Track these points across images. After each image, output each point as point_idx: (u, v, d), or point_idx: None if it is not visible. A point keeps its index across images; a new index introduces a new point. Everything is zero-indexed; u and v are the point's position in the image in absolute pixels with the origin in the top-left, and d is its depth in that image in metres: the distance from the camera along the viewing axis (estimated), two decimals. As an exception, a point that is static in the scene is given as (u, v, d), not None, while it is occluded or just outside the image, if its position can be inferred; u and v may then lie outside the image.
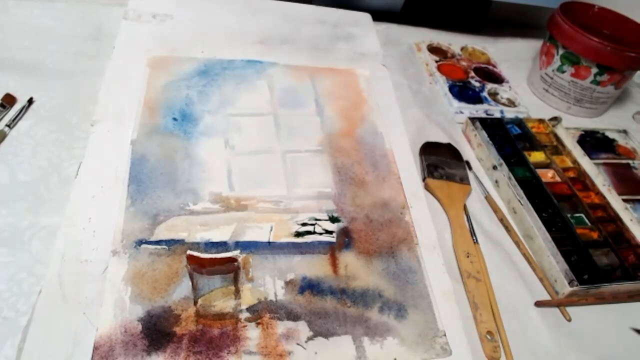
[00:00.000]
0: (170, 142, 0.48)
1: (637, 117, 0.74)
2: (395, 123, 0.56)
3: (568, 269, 0.45)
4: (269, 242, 0.42)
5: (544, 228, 0.48)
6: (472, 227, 0.50)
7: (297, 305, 0.39)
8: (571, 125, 0.66)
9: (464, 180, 0.54)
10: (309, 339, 0.37)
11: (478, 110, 0.65)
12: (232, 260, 0.40)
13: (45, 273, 0.37)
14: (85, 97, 0.51)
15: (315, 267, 0.42)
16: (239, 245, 0.41)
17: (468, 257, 0.46)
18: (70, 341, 0.34)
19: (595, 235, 0.50)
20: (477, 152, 0.60)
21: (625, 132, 0.67)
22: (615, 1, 0.72)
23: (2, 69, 0.54)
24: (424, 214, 0.48)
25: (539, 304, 0.45)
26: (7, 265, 0.38)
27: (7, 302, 0.36)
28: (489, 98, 0.68)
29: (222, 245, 0.41)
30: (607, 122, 0.71)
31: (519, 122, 0.62)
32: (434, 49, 0.76)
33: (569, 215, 0.51)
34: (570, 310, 0.45)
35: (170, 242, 0.40)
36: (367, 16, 0.72)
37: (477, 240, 0.48)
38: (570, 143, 0.60)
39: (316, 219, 0.45)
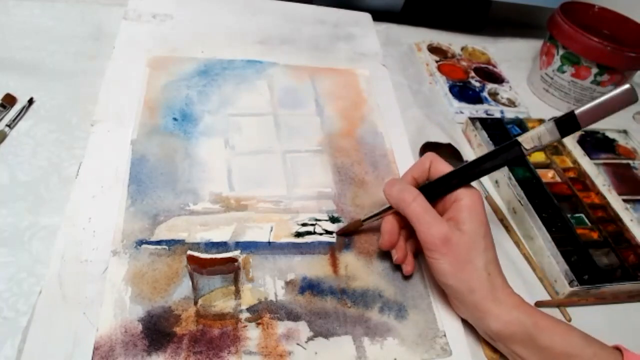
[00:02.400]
0: (170, 142, 0.48)
1: (637, 117, 0.74)
2: (395, 123, 0.56)
3: (568, 269, 0.45)
4: (269, 242, 0.42)
5: (544, 228, 0.48)
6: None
7: (298, 305, 0.39)
8: (571, 125, 0.66)
9: (464, 180, 0.54)
10: (309, 339, 0.37)
11: (478, 110, 0.65)
12: (233, 260, 0.40)
13: (45, 273, 0.37)
14: (85, 97, 0.51)
15: (315, 267, 0.42)
16: (239, 245, 0.42)
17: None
18: (70, 341, 0.34)
19: (595, 235, 0.50)
20: (477, 152, 0.60)
21: (625, 132, 0.67)
22: (615, 1, 0.72)
23: (2, 69, 0.54)
24: (424, 214, 0.48)
25: (539, 304, 0.44)
26: (7, 265, 0.38)
27: (7, 302, 0.36)
28: (489, 98, 0.68)
29: (222, 245, 0.41)
30: (607, 122, 0.69)
31: (519, 122, 0.62)
32: (434, 49, 0.76)
33: (569, 215, 0.51)
34: (571, 310, 0.45)
35: (170, 242, 0.40)
36: (367, 16, 0.72)
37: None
38: (571, 143, 0.60)
39: (316, 219, 0.45)
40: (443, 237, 0.37)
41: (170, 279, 0.38)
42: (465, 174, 0.39)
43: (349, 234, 0.44)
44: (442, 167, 0.40)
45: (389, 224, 0.41)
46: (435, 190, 0.40)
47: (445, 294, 0.42)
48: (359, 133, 0.54)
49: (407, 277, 0.42)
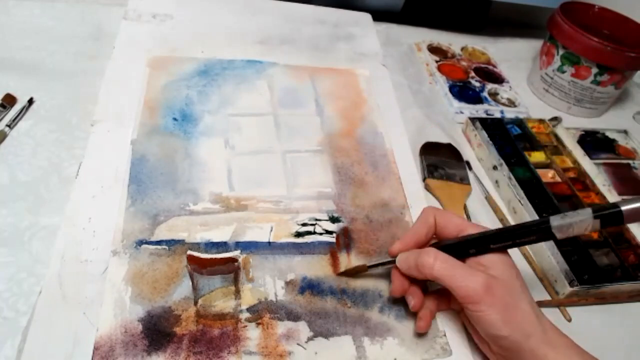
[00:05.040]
0: (170, 142, 0.48)
1: (637, 117, 0.74)
2: (395, 123, 0.56)
3: (568, 269, 0.45)
4: (269, 242, 0.42)
5: (544, 228, 0.48)
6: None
7: (297, 305, 0.39)
8: (571, 125, 0.66)
9: (464, 180, 0.54)
10: (309, 339, 0.37)
11: (478, 110, 0.65)
12: (233, 260, 0.40)
13: (45, 273, 0.37)
14: (85, 97, 0.51)
15: (315, 267, 0.42)
16: (239, 245, 0.41)
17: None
18: (70, 341, 0.34)
19: (595, 235, 0.50)
20: (477, 152, 0.60)
21: (625, 132, 0.67)
22: (615, 1, 0.72)
23: (2, 69, 0.54)
24: (424, 214, 0.48)
25: (539, 304, 0.44)
26: (7, 265, 0.38)
27: (7, 302, 0.36)
28: (489, 98, 0.68)
29: (222, 246, 0.41)
30: (607, 122, 0.71)
31: (519, 122, 0.62)
32: (434, 49, 0.76)
33: (569, 216, 0.51)
34: (571, 310, 0.45)
35: (170, 242, 0.40)
36: (367, 16, 0.72)
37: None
38: (571, 143, 0.60)
39: (316, 219, 0.45)
40: (484, 285, 0.34)
41: (170, 279, 0.38)
42: (487, 246, 0.36)
43: (350, 275, 0.42)
44: (454, 219, 0.38)
45: (398, 272, 0.39)
46: (454, 254, 0.37)
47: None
48: (359, 133, 0.54)
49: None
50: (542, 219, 0.35)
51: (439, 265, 0.35)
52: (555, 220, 0.34)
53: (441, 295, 0.39)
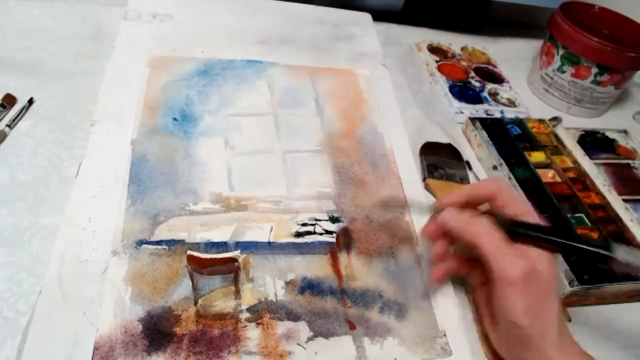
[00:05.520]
0: (170, 142, 0.48)
1: (637, 117, 0.74)
2: (395, 123, 0.56)
3: (568, 269, 0.45)
4: (269, 242, 0.42)
5: (544, 228, 0.48)
6: (472, 227, 0.50)
7: (297, 305, 0.39)
8: (571, 125, 0.66)
9: (464, 181, 0.54)
10: (309, 339, 0.37)
11: (478, 110, 0.65)
12: (233, 260, 0.40)
13: (45, 273, 0.37)
14: (85, 97, 0.51)
15: (315, 267, 0.42)
16: (239, 245, 0.41)
17: (468, 257, 0.46)
18: (70, 341, 0.34)
19: (595, 235, 0.50)
20: (477, 152, 0.60)
21: (625, 132, 0.67)
22: (615, 1, 0.72)
23: (2, 69, 0.54)
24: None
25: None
26: (7, 265, 0.38)
27: (7, 302, 0.36)
28: (489, 98, 0.68)
29: (222, 246, 0.41)
30: (607, 122, 0.71)
31: (519, 122, 0.62)
32: (434, 49, 0.76)
33: (569, 216, 0.51)
34: (571, 310, 0.45)
35: (170, 242, 0.40)
36: (367, 16, 0.72)
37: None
38: (571, 143, 0.60)
39: (316, 219, 0.45)
40: (526, 271, 0.33)
41: (170, 279, 0.38)
42: (555, 242, 0.35)
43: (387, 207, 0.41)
44: (518, 202, 0.37)
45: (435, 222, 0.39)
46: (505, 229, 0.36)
47: (444, 295, 0.42)
48: (359, 133, 0.54)
49: (407, 277, 0.42)
50: (604, 242, 0.35)
51: (488, 239, 0.35)
52: (619, 252, 0.34)
53: (465, 261, 0.38)
